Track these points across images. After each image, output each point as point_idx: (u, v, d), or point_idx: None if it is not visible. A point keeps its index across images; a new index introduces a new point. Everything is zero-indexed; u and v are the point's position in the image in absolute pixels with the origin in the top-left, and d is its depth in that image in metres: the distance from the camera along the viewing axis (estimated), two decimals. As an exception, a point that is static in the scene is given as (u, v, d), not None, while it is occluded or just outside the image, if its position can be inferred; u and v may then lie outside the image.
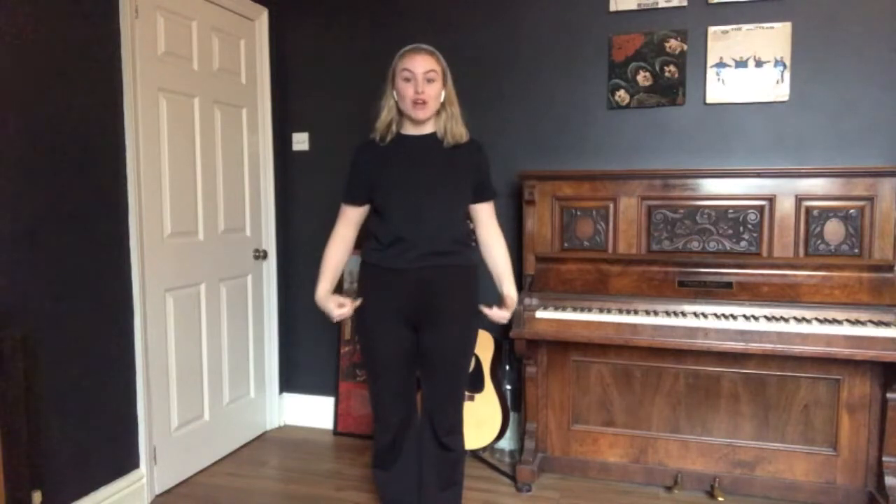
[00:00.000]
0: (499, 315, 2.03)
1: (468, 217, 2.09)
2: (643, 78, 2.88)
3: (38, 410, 2.11)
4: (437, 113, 1.99)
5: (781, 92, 2.74)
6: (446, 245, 1.97)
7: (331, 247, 2.09)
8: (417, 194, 1.94)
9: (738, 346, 2.40)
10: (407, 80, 1.91)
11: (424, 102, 1.91)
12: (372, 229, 2.04)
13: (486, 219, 2.10)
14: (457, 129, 1.99)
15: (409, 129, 2.01)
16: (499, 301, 2.06)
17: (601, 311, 2.58)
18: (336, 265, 2.09)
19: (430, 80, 1.91)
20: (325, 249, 2.09)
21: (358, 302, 2.01)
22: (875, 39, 2.65)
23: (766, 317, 2.45)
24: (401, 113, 1.98)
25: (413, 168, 1.97)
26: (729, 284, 2.58)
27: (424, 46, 1.95)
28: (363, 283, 2.06)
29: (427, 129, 2.01)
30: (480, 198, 2.06)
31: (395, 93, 1.96)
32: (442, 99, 1.97)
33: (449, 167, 1.99)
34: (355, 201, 2.05)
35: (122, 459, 2.49)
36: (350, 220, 2.08)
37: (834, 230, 2.58)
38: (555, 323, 2.57)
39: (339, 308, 1.99)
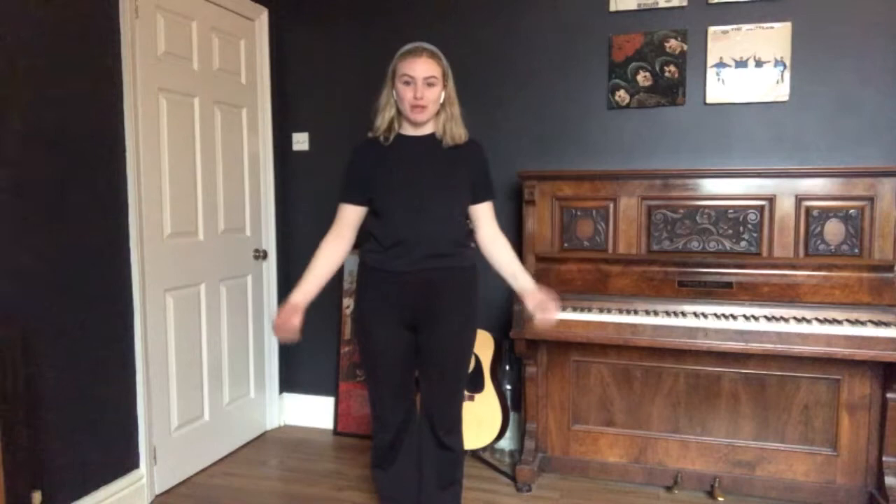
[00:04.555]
0: (544, 312, 1.98)
1: (468, 218, 2.08)
2: (643, 78, 2.88)
3: (38, 410, 2.11)
4: (437, 113, 1.98)
5: (781, 92, 2.74)
6: (446, 247, 1.96)
7: (319, 254, 2.00)
8: (417, 196, 1.94)
9: (738, 346, 2.40)
10: (406, 83, 1.90)
11: (424, 107, 1.91)
12: (371, 231, 2.03)
13: (486, 219, 2.07)
14: (456, 130, 1.98)
15: (408, 130, 2.00)
16: (527, 299, 2.01)
17: (601, 311, 2.58)
18: (321, 274, 1.99)
19: (430, 85, 1.90)
20: (315, 254, 2.01)
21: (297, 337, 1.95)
22: (875, 39, 2.65)
23: (766, 317, 2.45)
24: (400, 112, 1.97)
25: (412, 169, 1.96)
26: (729, 284, 2.58)
27: (426, 46, 1.93)
28: (362, 284, 2.05)
29: (426, 129, 2.00)
30: (479, 198, 2.05)
31: (394, 92, 1.95)
32: (442, 100, 1.96)
33: (448, 168, 1.98)
34: (354, 200, 2.02)
35: (121, 459, 2.49)
36: (346, 222, 2.03)
37: (834, 230, 2.58)
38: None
39: (285, 328, 1.93)
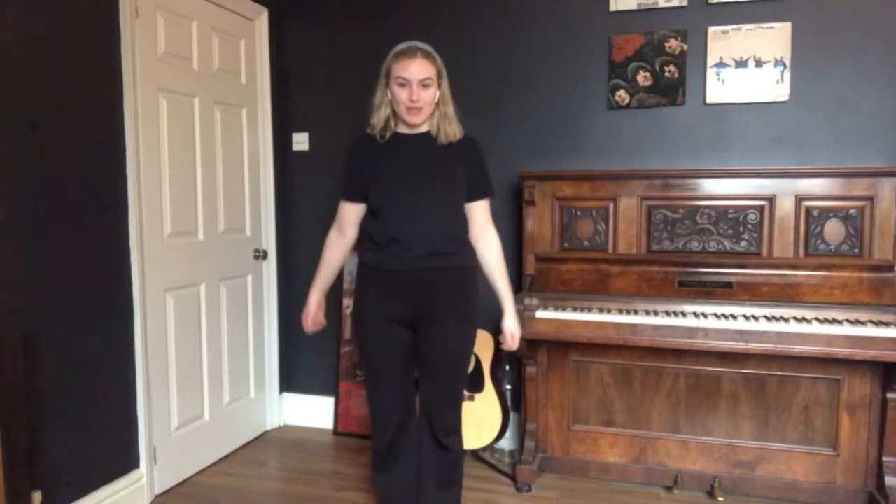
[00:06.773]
0: (507, 346, 2.12)
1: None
2: (643, 78, 2.88)
3: (37, 410, 2.11)
4: (431, 112, 1.98)
5: (781, 92, 2.74)
6: (443, 245, 1.96)
7: (326, 251, 2.13)
8: (412, 194, 1.94)
9: (738, 346, 2.40)
10: (402, 86, 1.90)
11: (420, 109, 1.91)
12: (367, 230, 2.03)
13: (479, 218, 2.05)
14: (450, 129, 1.98)
15: (404, 129, 2.00)
16: (503, 320, 2.09)
17: (601, 311, 2.58)
18: (332, 271, 2.15)
19: (425, 87, 1.89)
20: (322, 253, 2.14)
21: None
22: (875, 39, 2.65)
23: (766, 317, 2.45)
24: (395, 112, 1.97)
25: (407, 167, 1.96)
26: (729, 284, 2.58)
27: (420, 46, 1.92)
28: (360, 283, 2.05)
29: (422, 127, 2.00)
30: (475, 196, 2.03)
31: (389, 92, 1.95)
32: (436, 99, 1.96)
33: (443, 165, 1.98)
34: (352, 198, 2.04)
35: (122, 459, 2.49)
36: (346, 219, 2.07)
37: (834, 230, 2.58)
38: (555, 323, 2.57)
39: (315, 324, 2.16)
